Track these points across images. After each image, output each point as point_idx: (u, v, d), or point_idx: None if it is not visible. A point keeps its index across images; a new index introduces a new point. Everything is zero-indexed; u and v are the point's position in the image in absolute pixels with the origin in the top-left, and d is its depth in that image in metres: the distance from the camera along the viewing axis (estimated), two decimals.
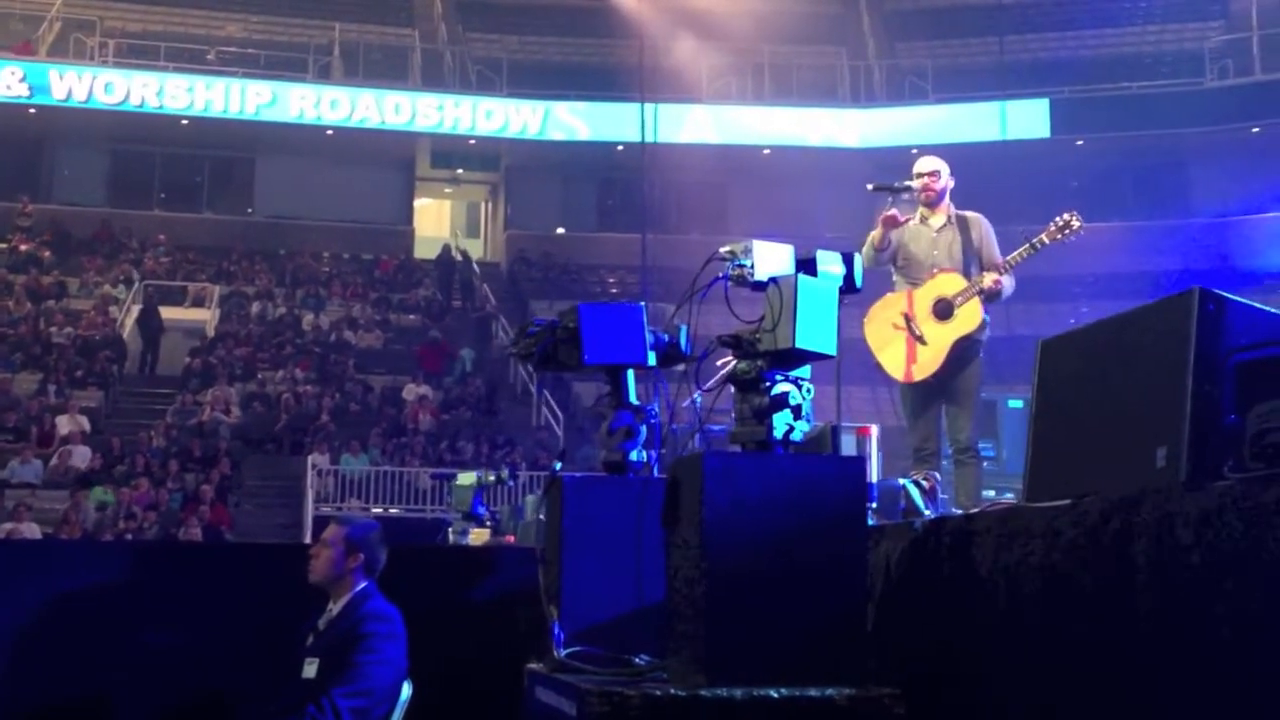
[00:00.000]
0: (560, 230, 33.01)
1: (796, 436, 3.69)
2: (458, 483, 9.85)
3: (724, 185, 31.43)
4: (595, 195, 33.89)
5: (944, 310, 6.52)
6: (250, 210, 32.14)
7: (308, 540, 16.91)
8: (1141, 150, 29.41)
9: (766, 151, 30.62)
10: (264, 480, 21.66)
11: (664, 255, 24.75)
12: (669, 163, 28.23)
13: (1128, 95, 29.15)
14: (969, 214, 6.82)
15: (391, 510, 20.71)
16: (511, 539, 11.10)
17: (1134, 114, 28.52)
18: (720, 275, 3.74)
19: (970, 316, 6.48)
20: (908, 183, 6.90)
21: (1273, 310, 2.89)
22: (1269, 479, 2.42)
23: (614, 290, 29.67)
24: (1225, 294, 2.88)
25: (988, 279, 6.56)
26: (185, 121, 29.81)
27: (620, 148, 29.84)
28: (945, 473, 6.63)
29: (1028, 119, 28.99)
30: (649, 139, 25.25)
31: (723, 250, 3.76)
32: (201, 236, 30.73)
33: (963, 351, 6.51)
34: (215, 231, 31.07)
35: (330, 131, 30.33)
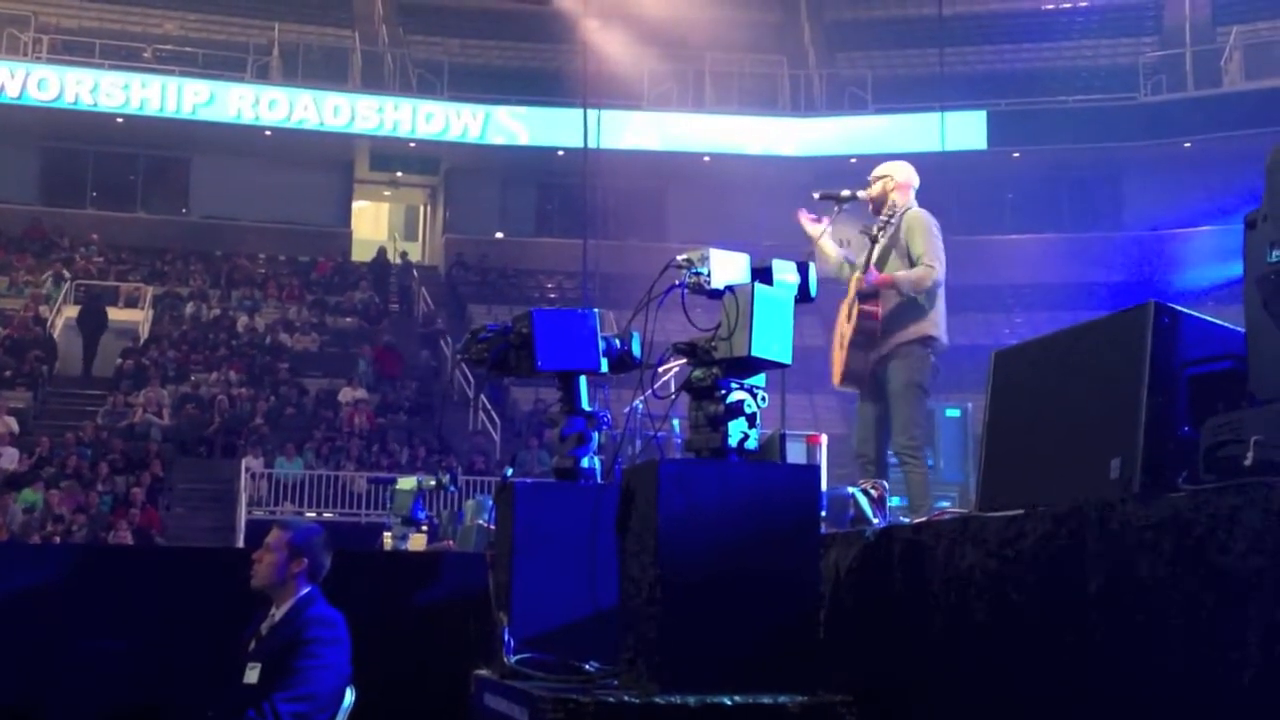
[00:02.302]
0: (499, 235, 32.93)
1: (751, 444, 3.69)
2: (398, 487, 9.82)
3: (664, 192, 31.49)
4: (535, 200, 33.83)
5: (850, 313, 6.58)
6: (185, 210, 31.77)
7: (240, 544, 16.75)
8: (1076, 163, 29.85)
9: (707, 159, 30.71)
10: (196, 483, 21.41)
11: (603, 261, 24.75)
12: (610, 168, 28.23)
13: (1063, 109, 29.56)
14: (909, 213, 6.75)
15: (326, 515, 20.54)
16: (451, 544, 11.06)
17: (1069, 127, 28.94)
18: (678, 283, 3.74)
19: (858, 316, 6.52)
20: (856, 191, 6.93)
21: (1226, 324, 2.94)
22: (1222, 491, 2.45)
23: (552, 296, 29.63)
24: (1180, 308, 2.92)
25: (856, 278, 6.59)
26: (120, 120, 29.42)
27: (561, 153, 29.80)
28: (895, 480, 6.66)
29: (965, 131, 29.28)
30: (590, 144, 25.24)
31: (680, 258, 3.76)
32: (135, 236, 30.34)
33: (888, 353, 6.48)
34: (149, 231, 30.67)
35: (268, 132, 30.05)
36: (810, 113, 31.69)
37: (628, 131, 30.23)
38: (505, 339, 4.40)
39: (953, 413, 11.84)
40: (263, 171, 30.57)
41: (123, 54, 30.07)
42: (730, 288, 3.70)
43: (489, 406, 24.44)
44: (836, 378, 6.66)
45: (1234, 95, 27.91)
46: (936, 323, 6.47)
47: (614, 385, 4.67)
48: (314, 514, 20.36)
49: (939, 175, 25.31)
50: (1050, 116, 29.35)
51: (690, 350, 3.72)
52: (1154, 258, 26.61)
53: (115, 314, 26.83)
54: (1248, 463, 2.48)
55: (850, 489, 5.00)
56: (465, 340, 4.56)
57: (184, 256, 29.91)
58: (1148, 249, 27.37)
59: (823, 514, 4.79)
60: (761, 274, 3.80)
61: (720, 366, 3.67)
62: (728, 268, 3.76)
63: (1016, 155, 29.84)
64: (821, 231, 6.88)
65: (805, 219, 6.88)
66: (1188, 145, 28.04)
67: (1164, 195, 27.95)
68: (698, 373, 3.70)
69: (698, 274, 3.72)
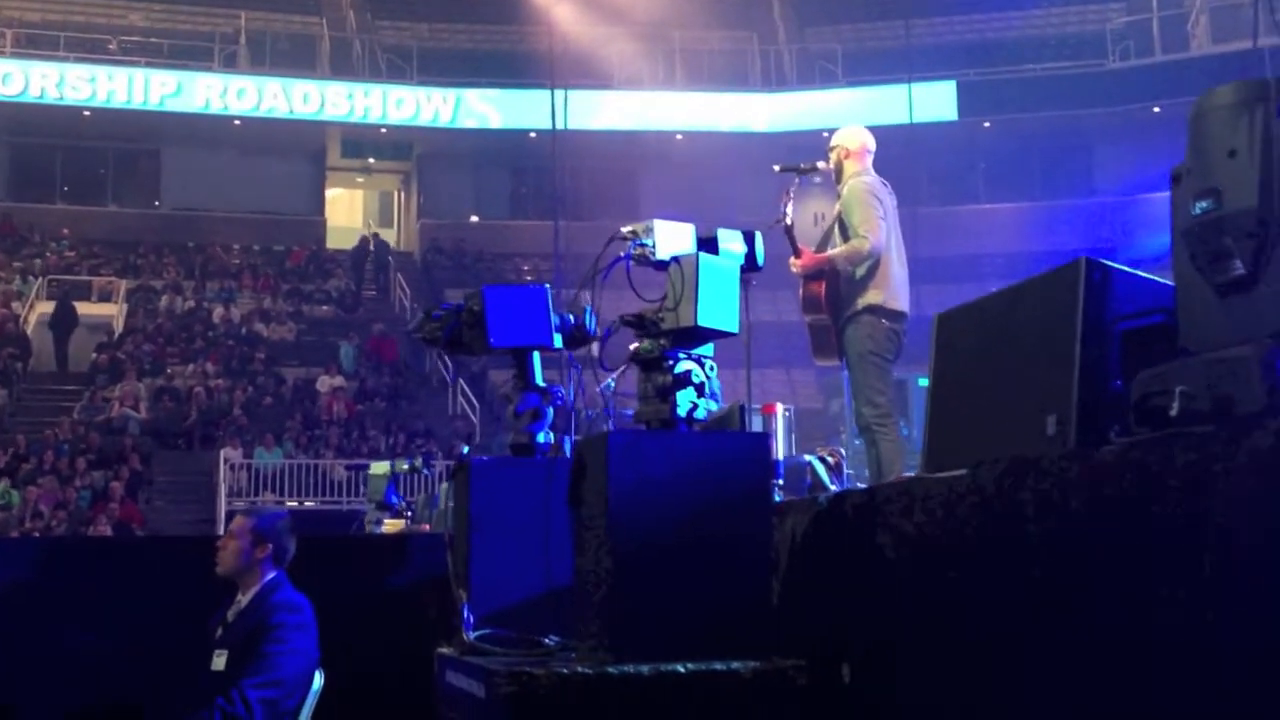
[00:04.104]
0: (474, 218, 32.86)
1: (700, 414, 3.71)
2: (371, 473, 9.82)
3: (637, 171, 31.48)
4: (509, 183, 33.79)
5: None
6: (157, 203, 31.64)
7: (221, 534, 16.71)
8: (1047, 131, 29.88)
9: (679, 137, 30.68)
10: (175, 476, 21.37)
11: (578, 242, 24.74)
12: (582, 149, 28.20)
13: (1032, 77, 29.61)
14: (848, 184, 6.71)
15: (307, 503, 20.54)
16: (427, 528, 11.06)
17: (1039, 95, 28.99)
18: (622, 255, 3.75)
19: (803, 297, 6.54)
20: (816, 163, 6.91)
21: (1157, 279, 2.96)
22: (1148, 443, 2.48)
23: (529, 278, 29.57)
24: (1111, 264, 2.94)
25: (791, 261, 6.60)
26: (87, 113, 29.25)
27: (533, 135, 29.76)
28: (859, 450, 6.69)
29: (936, 102, 29.33)
30: (561, 126, 25.21)
31: (624, 230, 3.77)
32: (107, 230, 30.19)
33: (842, 326, 6.51)
34: (121, 225, 30.53)
35: (238, 122, 29.92)
36: (781, 88, 31.68)
37: (599, 112, 30.18)
38: (458, 317, 4.40)
39: (926, 382, 11.86)
40: (234, 161, 30.45)
41: (87, 46, 29.87)
42: (675, 258, 3.71)
43: (467, 390, 24.44)
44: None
45: (1201, 59, 27.96)
46: (883, 290, 6.45)
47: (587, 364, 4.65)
48: (295, 503, 20.36)
49: (910, 147, 25.32)
50: (1019, 85, 29.40)
51: (638, 322, 3.73)
52: (1125, 222, 26.70)
53: (89, 308, 26.74)
54: (1174, 413, 2.50)
55: (807, 457, 5.02)
56: (419, 319, 4.57)
57: (157, 249, 29.78)
58: (1118, 214, 27.46)
59: (780, 482, 4.84)
60: (707, 244, 3.82)
61: (667, 337, 3.69)
62: (673, 239, 3.77)
63: (987, 125, 29.89)
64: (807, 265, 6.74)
65: (794, 266, 6.76)
66: (1157, 110, 28.08)
67: (1134, 160, 27.98)
68: (645, 344, 3.71)
69: (643, 245, 3.73)
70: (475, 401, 24.07)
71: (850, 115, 27.52)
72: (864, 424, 6.49)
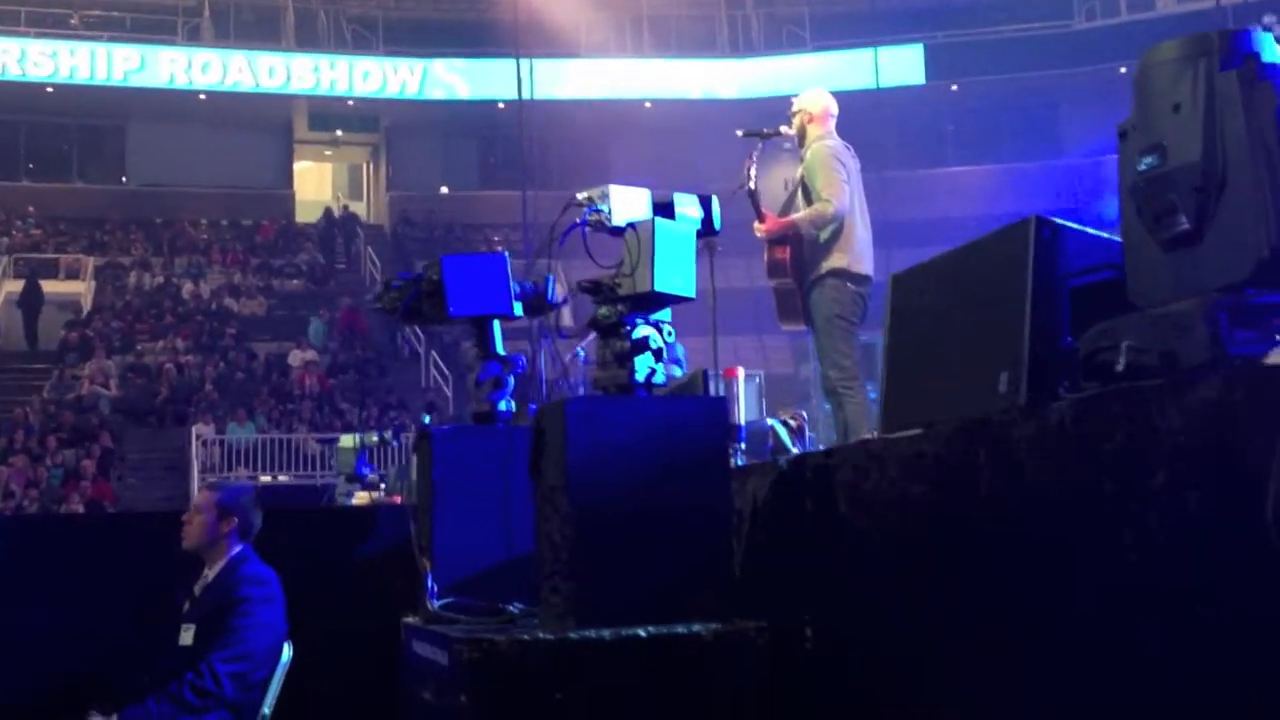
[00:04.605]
0: (444, 190, 32.73)
1: (659, 379, 3.71)
2: (340, 445, 9.81)
3: (606, 140, 31.32)
4: (478, 154, 33.66)
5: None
6: (123, 179, 31.41)
7: None
8: (1014, 93, 29.93)
9: (648, 105, 30.60)
10: (147, 453, 21.29)
11: (549, 212, 24.48)
12: (550, 119, 28.08)
13: (999, 39, 29.63)
14: (811, 148, 6.70)
15: (281, 478, 20.53)
16: (399, 500, 11.07)
17: (1006, 58, 29.03)
18: (578, 221, 3.74)
19: (768, 262, 6.56)
20: (779, 127, 6.91)
21: (1107, 236, 2.97)
22: (1099, 397, 2.50)
23: (500, 248, 29.37)
24: (1061, 221, 2.95)
25: (755, 226, 6.61)
26: (50, 89, 28.98)
27: (501, 105, 29.63)
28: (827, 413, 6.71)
29: (904, 65, 29.32)
30: (528, 95, 25.10)
31: (580, 196, 3.77)
32: (73, 207, 29.99)
33: (807, 290, 6.53)
34: (87, 201, 30.32)
35: (203, 96, 29.71)
36: (749, 54, 31.60)
37: (567, 81, 30.07)
38: (417, 286, 4.39)
39: None
40: (200, 136, 30.24)
41: (49, 21, 29.58)
42: (632, 224, 3.71)
43: (440, 362, 24.39)
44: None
45: (1166, 19, 28.04)
46: (847, 254, 6.46)
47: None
48: (268, 477, 20.34)
49: (879, 110, 25.28)
50: (986, 48, 29.42)
51: (595, 288, 3.73)
52: (1093, 183, 26.76)
53: (56, 286, 26.57)
54: (1120, 368, 2.52)
55: (769, 420, 5.04)
56: (378, 290, 4.55)
57: (124, 225, 29.60)
58: (1087, 175, 27.53)
59: (742, 446, 4.85)
60: (663, 209, 3.81)
61: (625, 303, 3.68)
62: (629, 204, 3.77)
63: (955, 88, 29.92)
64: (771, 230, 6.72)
65: (759, 230, 6.75)
66: (1123, 70, 28.11)
67: (1101, 122, 27.87)
68: (603, 310, 3.71)
69: (598, 211, 3.73)
70: (448, 373, 24.03)
71: (819, 80, 27.45)
72: (830, 387, 6.51)
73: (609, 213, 3.73)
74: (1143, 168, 2.62)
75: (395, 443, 11.50)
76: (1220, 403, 2.16)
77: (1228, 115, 2.47)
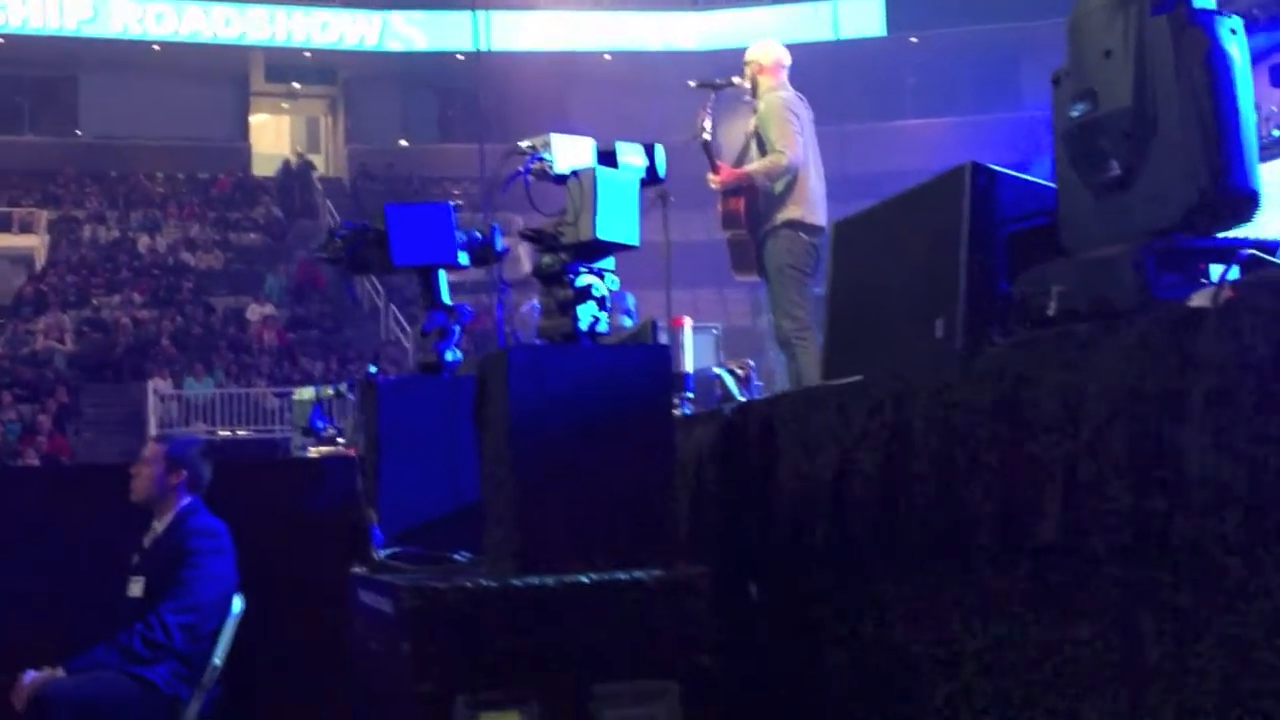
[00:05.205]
0: (403, 143, 32.50)
1: (603, 328, 3.71)
2: (296, 398, 9.75)
3: (566, 93, 31.13)
4: (437, 106, 33.42)
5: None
6: (77, 131, 31.00)
7: None
8: (974, 46, 29.91)
9: (607, 57, 30.43)
10: (104, 408, 21.14)
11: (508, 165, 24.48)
12: (509, 71, 27.87)
13: None
14: (764, 99, 6.69)
15: (240, 432, 20.44)
16: (355, 452, 11.03)
17: (966, 10, 28.98)
18: (521, 170, 3.73)
19: (722, 213, 6.58)
20: (732, 78, 6.89)
21: (1043, 183, 2.99)
22: (1029, 342, 2.52)
23: (459, 202, 29.24)
24: (997, 168, 2.97)
25: (709, 177, 6.62)
26: (1, 40, 28.51)
27: (460, 57, 29.39)
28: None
29: (863, 17, 29.26)
30: (486, 47, 24.89)
31: (522, 144, 3.75)
32: (26, 160, 29.59)
33: (761, 240, 6.55)
34: (40, 154, 29.93)
35: (157, 46, 29.34)
36: (709, 6, 31.43)
37: (525, 32, 29.86)
38: (363, 236, 4.36)
39: None
40: (155, 88, 29.87)
41: None
42: (575, 172, 3.70)
43: (399, 315, 24.30)
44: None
45: None
46: (801, 205, 6.47)
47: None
48: (227, 432, 20.26)
49: (839, 63, 25.17)
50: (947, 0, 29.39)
51: (538, 237, 3.72)
52: (1050, 137, 26.83)
53: (10, 240, 26.28)
54: (1051, 313, 2.54)
55: (716, 369, 5.05)
56: (323, 239, 4.52)
57: (78, 179, 29.26)
58: (1047, 128, 27.59)
59: (690, 395, 4.87)
60: (606, 157, 3.80)
61: (568, 252, 3.68)
62: (572, 153, 3.76)
63: (914, 40, 29.86)
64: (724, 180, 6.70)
65: (713, 181, 6.73)
66: None
67: None
68: (546, 259, 3.71)
69: (541, 160, 3.71)
70: (408, 326, 23.95)
71: (778, 32, 27.38)
72: (783, 338, 6.54)
73: (551, 161, 3.72)
74: (1075, 114, 2.63)
75: (352, 396, 11.44)
76: (1144, 346, 2.18)
77: (1158, 61, 2.48)
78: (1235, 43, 2.43)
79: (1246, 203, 2.43)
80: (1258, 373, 1.99)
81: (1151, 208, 2.48)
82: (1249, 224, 2.47)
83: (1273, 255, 2.41)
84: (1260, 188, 2.43)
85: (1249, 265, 2.37)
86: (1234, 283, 2.18)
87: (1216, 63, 2.39)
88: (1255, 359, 1.99)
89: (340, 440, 9.76)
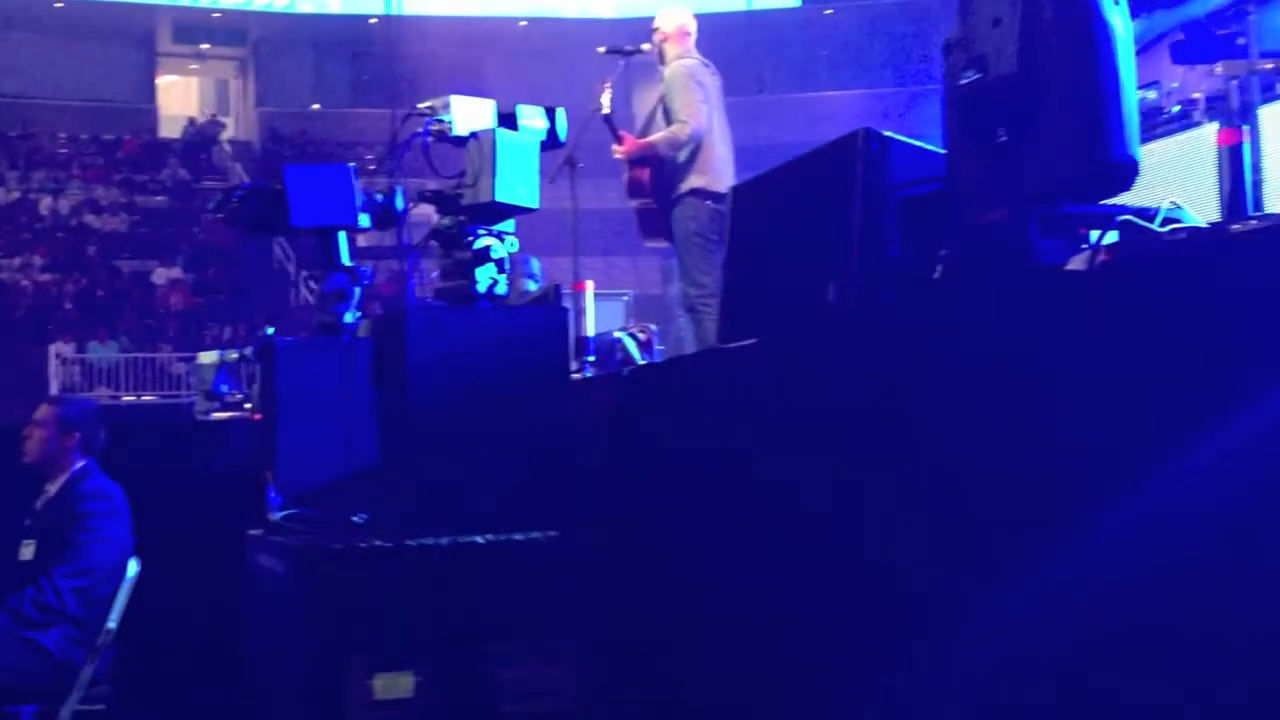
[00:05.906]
0: (315, 106, 32.01)
1: (501, 290, 3.71)
2: (199, 362, 9.60)
3: (482, 59, 30.87)
4: (349, 70, 32.91)
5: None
6: None
7: None
8: (887, 18, 30.08)
9: (523, 24, 30.21)
10: (3, 372, 20.68)
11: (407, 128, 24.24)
12: (424, 36, 27.58)
13: None
14: (669, 68, 6.69)
15: (146, 397, 20.14)
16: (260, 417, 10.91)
17: None
18: (419, 131, 3.70)
19: (627, 182, 6.61)
20: (641, 45, 6.88)
21: (935, 149, 3.02)
22: (912, 305, 2.56)
23: (372, 168, 29.02)
24: (890, 134, 3.00)
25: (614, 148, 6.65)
26: None
27: (373, 20, 29.01)
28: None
29: None
30: (399, 10, 24.61)
31: (421, 106, 3.73)
32: None
33: (669, 209, 6.57)
34: None
35: (59, 4, 28.60)
36: None
37: None
38: (261, 197, 4.30)
39: None
40: (57, 46, 29.14)
41: None
42: (474, 134, 3.68)
43: (312, 282, 24.04)
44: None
45: None
46: (706, 173, 6.49)
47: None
48: (132, 397, 19.95)
49: (753, 32, 25.17)
50: None
51: (436, 198, 3.71)
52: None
53: None
54: (936, 275, 2.58)
55: (617, 333, 5.07)
56: (218, 199, 4.45)
57: None
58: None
59: (591, 359, 4.88)
60: (506, 120, 3.79)
61: (467, 213, 3.67)
62: (471, 115, 3.74)
63: (829, 12, 29.98)
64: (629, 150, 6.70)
65: (617, 152, 6.73)
66: None
67: None
68: (444, 220, 3.69)
69: (440, 122, 3.69)
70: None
71: (695, 2, 27.47)
72: (689, 304, 6.57)
73: (451, 123, 3.70)
74: (964, 81, 2.66)
75: (254, 360, 11.31)
76: (1021, 309, 2.22)
77: (1044, 29, 2.52)
78: (1118, 13, 2.48)
79: (1126, 170, 2.48)
80: (1130, 334, 2.04)
81: (1035, 174, 2.52)
82: (1128, 191, 2.52)
83: (1150, 223, 2.46)
84: (1139, 156, 2.49)
85: (1125, 231, 2.42)
86: (1109, 247, 2.23)
87: (1098, 32, 2.44)
88: (1128, 321, 2.04)
89: (247, 405, 9.66)
